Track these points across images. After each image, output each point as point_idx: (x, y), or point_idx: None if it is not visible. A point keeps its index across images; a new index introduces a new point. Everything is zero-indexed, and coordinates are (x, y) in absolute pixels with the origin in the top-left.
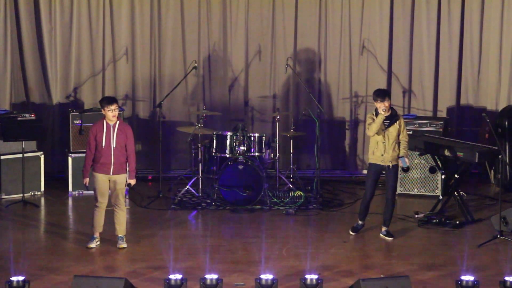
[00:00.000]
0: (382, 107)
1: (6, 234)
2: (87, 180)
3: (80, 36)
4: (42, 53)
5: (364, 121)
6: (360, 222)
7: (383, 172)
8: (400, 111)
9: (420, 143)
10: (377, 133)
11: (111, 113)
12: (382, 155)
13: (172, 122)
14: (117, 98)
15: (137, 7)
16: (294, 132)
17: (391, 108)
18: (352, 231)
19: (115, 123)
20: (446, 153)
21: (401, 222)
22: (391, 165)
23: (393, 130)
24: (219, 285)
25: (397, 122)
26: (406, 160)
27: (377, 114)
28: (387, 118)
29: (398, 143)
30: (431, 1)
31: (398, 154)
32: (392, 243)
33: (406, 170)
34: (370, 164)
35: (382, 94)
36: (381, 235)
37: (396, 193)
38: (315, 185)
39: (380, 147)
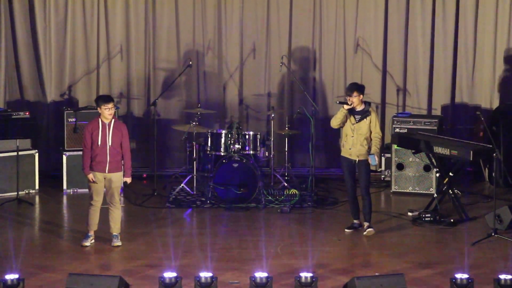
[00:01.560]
0: (348, 100)
1: (1, 232)
2: (91, 176)
3: (74, 34)
4: (37, 52)
5: None
6: (355, 221)
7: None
8: (394, 109)
9: (414, 141)
10: (346, 127)
11: (108, 111)
12: (350, 149)
13: (167, 120)
14: (112, 96)
15: (131, 5)
16: (288, 130)
17: (365, 103)
18: (347, 229)
19: (111, 122)
20: (446, 152)
21: (395, 220)
22: (357, 159)
23: (363, 125)
24: (213, 283)
25: (368, 118)
26: (376, 158)
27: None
28: (358, 113)
29: (371, 140)
30: None
31: (368, 150)
32: (386, 241)
33: (375, 168)
34: (341, 157)
35: (349, 88)
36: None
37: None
38: (309, 183)
39: (348, 140)
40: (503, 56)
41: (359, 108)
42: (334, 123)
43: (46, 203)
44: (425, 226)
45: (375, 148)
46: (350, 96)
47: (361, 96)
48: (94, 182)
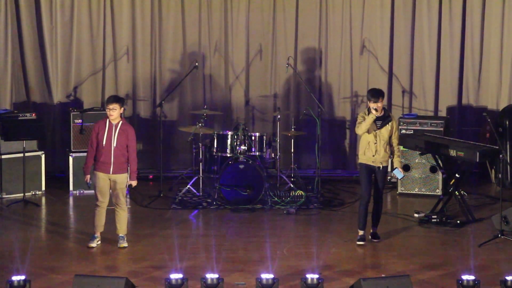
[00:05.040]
0: (374, 107)
1: (7, 234)
2: (88, 177)
3: (80, 35)
4: (43, 53)
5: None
6: (362, 232)
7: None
8: (400, 111)
9: (420, 143)
10: (368, 133)
11: (109, 112)
12: (373, 156)
13: (173, 121)
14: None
15: (137, 6)
16: (294, 131)
17: (384, 109)
18: (359, 241)
19: (118, 123)
20: (452, 153)
21: (402, 222)
22: (381, 166)
23: (384, 131)
24: (219, 285)
25: (389, 123)
26: (401, 170)
27: (369, 113)
28: (379, 119)
29: (390, 145)
30: (432, 1)
31: (390, 157)
32: (393, 242)
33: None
34: (361, 164)
35: (376, 94)
36: (369, 236)
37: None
38: (315, 184)
39: (371, 147)
40: (510, 57)
41: (380, 114)
42: (363, 129)
43: (53, 205)
44: (431, 228)
45: (399, 160)
46: (377, 102)
47: (383, 102)
48: (87, 184)
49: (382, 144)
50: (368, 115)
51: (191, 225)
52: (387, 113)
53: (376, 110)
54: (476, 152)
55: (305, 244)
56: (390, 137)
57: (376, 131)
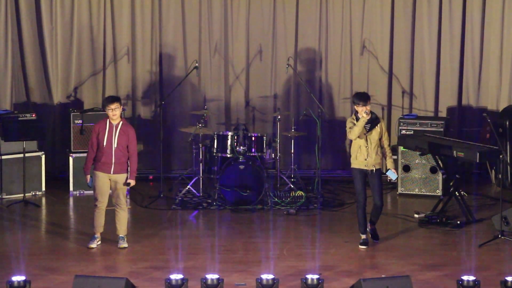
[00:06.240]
0: (364, 110)
1: (7, 234)
2: (88, 177)
3: (81, 36)
4: (43, 53)
5: None
6: (364, 236)
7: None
8: (400, 112)
9: (422, 143)
10: (359, 137)
11: (111, 112)
12: (366, 159)
13: (173, 122)
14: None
15: (138, 7)
16: (295, 132)
17: (371, 111)
18: (361, 245)
19: (118, 123)
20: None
21: (402, 222)
22: (374, 169)
23: (374, 133)
24: (220, 285)
25: (378, 125)
26: (394, 171)
27: (357, 118)
28: (368, 121)
29: (381, 147)
30: (432, 1)
31: (382, 158)
32: (393, 243)
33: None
34: (354, 169)
35: (364, 98)
36: (369, 234)
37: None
38: (316, 185)
39: (363, 151)
40: (510, 58)
41: (368, 116)
42: (356, 133)
43: (53, 205)
44: (431, 228)
45: (391, 161)
46: (366, 105)
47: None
48: (88, 185)
49: (373, 147)
50: (356, 119)
51: (191, 226)
52: (374, 115)
53: (366, 113)
54: (476, 153)
55: (305, 245)
56: (380, 139)
57: (366, 134)
